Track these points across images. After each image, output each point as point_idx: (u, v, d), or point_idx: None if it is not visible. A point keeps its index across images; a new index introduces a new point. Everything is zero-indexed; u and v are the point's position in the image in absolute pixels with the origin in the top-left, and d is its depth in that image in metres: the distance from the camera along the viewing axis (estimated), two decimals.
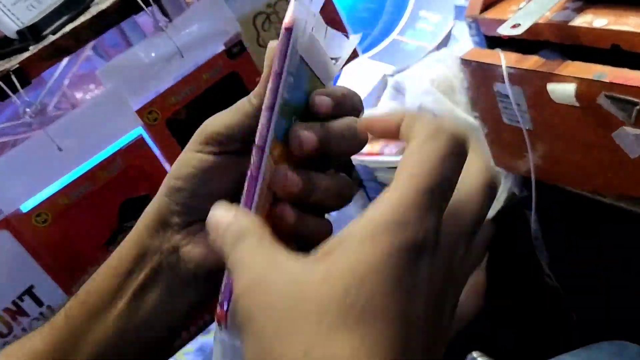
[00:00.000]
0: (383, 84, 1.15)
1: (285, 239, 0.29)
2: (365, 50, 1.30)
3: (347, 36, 0.36)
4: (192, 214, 0.37)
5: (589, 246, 0.83)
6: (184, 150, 0.37)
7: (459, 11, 1.10)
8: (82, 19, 0.60)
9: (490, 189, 0.29)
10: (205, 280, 0.38)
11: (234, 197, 0.35)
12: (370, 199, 0.89)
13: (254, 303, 0.25)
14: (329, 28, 0.35)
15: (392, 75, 1.13)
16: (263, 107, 0.31)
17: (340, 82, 1.27)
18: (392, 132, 0.29)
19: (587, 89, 0.58)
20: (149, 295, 0.39)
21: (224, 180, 0.36)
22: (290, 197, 0.33)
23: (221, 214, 0.29)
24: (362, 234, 0.25)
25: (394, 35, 1.30)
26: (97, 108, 0.60)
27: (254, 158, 0.31)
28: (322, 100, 0.33)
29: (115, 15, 0.60)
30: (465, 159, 0.27)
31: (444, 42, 1.16)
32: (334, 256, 0.25)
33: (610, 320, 0.83)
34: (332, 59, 0.36)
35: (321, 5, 0.33)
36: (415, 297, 0.24)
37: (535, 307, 0.91)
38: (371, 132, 0.32)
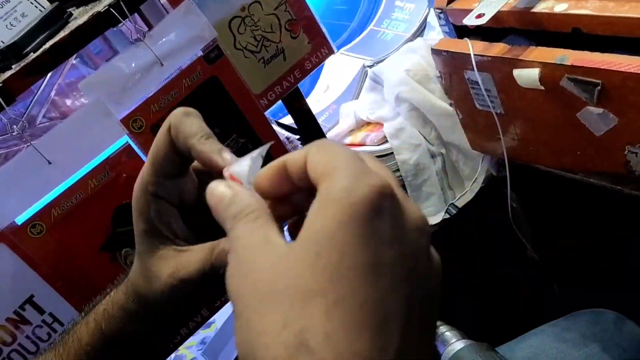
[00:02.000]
0: (363, 75, 1.17)
1: None
2: (344, 43, 1.32)
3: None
4: None
5: (565, 221, 0.86)
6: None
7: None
8: (61, 34, 0.62)
9: None
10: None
11: None
12: None
13: (241, 282, 0.26)
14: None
15: (371, 66, 1.16)
16: None
17: (321, 77, 1.29)
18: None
19: (551, 73, 0.61)
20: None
21: None
22: None
23: (222, 191, 0.30)
24: (319, 204, 0.25)
25: (371, 26, 1.32)
26: (82, 120, 0.62)
27: None
28: None
29: (92, 29, 0.62)
30: None
31: (420, 30, 1.18)
32: (304, 232, 0.25)
33: (589, 289, 0.86)
34: None
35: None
36: (384, 247, 0.24)
37: (518, 281, 0.94)
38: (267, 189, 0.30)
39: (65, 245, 0.64)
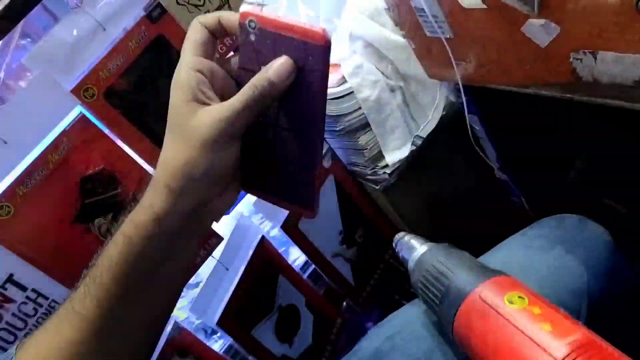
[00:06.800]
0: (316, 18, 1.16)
1: None
2: None
3: None
4: None
5: (527, 136, 0.88)
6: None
7: None
8: None
9: None
10: None
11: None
12: None
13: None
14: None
15: None
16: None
17: None
18: None
19: None
20: (185, 253, 0.47)
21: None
22: None
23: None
24: None
25: None
26: (31, 96, 0.61)
27: None
28: None
29: (21, 7, 0.60)
30: None
31: None
32: None
33: (554, 198, 0.89)
34: None
35: None
36: None
37: (488, 200, 0.97)
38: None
39: (36, 222, 0.65)
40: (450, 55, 0.72)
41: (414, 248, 0.56)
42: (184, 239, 0.46)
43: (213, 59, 0.47)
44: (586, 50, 0.58)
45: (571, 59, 0.61)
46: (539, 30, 0.61)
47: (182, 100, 0.43)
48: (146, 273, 0.44)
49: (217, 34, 0.47)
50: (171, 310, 0.51)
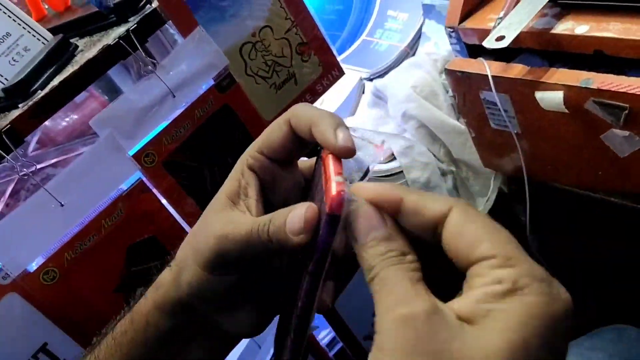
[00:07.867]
0: (360, 88, 1.16)
1: None
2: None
3: None
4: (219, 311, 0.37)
5: (580, 238, 0.86)
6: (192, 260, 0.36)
7: (427, 9, 1.12)
8: (69, 69, 0.59)
9: None
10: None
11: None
12: None
13: (410, 347, 0.25)
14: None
15: (370, 79, 1.14)
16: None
17: None
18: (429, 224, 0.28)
19: (575, 96, 0.60)
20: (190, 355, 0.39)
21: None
22: None
23: (375, 219, 0.28)
24: (514, 310, 0.25)
25: (363, 36, 1.30)
26: (95, 158, 0.59)
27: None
28: None
29: (103, 62, 0.59)
30: None
31: (415, 40, 1.17)
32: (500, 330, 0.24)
33: (607, 306, 0.86)
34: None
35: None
36: None
37: None
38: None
39: (79, 289, 0.61)
40: (519, 150, 0.70)
41: None
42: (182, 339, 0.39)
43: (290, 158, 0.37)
44: None
45: None
46: (621, 141, 0.60)
47: (222, 191, 0.37)
48: None
49: (302, 136, 0.35)
50: None
